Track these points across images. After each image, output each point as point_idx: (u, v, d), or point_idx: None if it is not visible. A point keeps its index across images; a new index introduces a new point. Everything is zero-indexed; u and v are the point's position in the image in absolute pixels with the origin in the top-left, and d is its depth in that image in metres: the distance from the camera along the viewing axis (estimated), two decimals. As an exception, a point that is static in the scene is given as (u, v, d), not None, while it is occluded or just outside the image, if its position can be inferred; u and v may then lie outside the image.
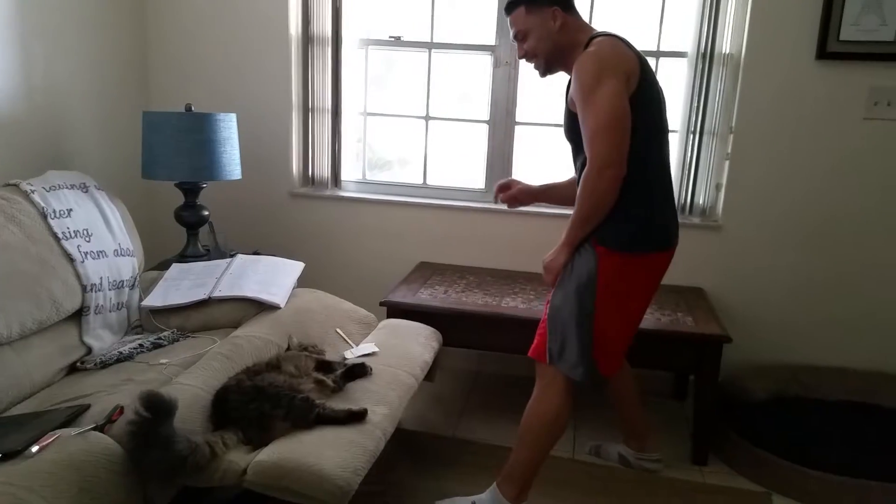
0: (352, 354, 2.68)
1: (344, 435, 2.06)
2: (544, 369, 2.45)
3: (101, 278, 2.73)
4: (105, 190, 3.02)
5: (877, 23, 3.14)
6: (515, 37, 2.44)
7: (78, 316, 2.67)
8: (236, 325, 2.84)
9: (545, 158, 3.75)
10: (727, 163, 3.47)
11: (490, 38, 3.71)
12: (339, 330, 2.92)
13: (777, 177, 3.42)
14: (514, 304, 3.19)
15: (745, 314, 3.55)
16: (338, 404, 2.21)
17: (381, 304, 3.20)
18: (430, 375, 2.83)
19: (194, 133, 3.14)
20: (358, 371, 2.47)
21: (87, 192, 2.91)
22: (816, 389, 3.38)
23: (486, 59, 3.75)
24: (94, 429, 1.99)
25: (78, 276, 2.64)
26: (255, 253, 3.44)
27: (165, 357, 2.57)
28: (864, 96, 3.26)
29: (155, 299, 2.94)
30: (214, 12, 3.78)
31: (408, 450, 3.00)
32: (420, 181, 3.98)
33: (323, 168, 3.89)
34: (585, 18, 2.46)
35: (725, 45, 3.34)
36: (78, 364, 2.56)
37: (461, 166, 3.95)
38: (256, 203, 3.95)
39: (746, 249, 3.52)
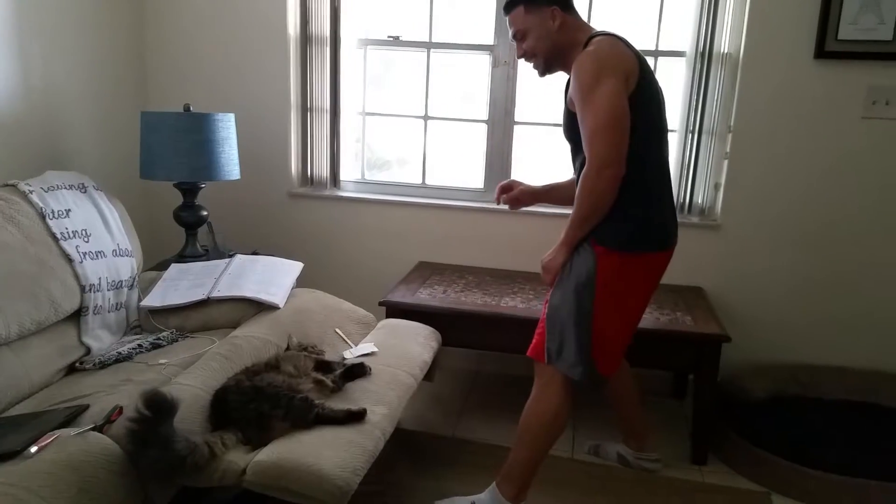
0: (351, 354, 2.68)
1: (343, 435, 2.06)
2: (543, 369, 2.45)
3: (99, 279, 2.73)
4: (103, 190, 3.02)
5: (875, 22, 3.14)
6: (514, 36, 2.43)
7: (77, 316, 2.66)
8: (235, 326, 2.83)
9: (544, 158, 3.75)
10: (726, 162, 3.48)
11: (489, 38, 3.70)
12: (338, 330, 2.92)
13: (776, 176, 3.42)
14: (514, 303, 3.19)
15: (744, 313, 3.55)
16: (337, 404, 2.21)
17: (381, 303, 3.20)
18: (429, 375, 2.83)
19: (193, 133, 3.14)
20: (357, 371, 2.47)
21: (85, 192, 2.91)
22: (815, 389, 3.38)
23: (485, 59, 3.75)
24: (93, 429, 1.99)
25: (76, 277, 2.64)
26: (254, 253, 3.44)
27: (164, 357, 2.57)
28: (862, 95, 3.26)
29: (154, 299, 2.94)
30: (213, 12, 3.78)
31: (407, 450, 3.00)
32: (419, 181, 3.98)
33: (322, 168, 3.89)
34: (584, 18, 2.45)
35: (724, 44, 3.34)
36: (77, 364, 2.56)
37: (460, 166, 3.95)
38: (255, 203, 3.94)
39: (745, 249, 3.52)
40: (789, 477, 2.79)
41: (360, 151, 4.03)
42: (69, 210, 2.75)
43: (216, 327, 2.87)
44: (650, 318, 3.03)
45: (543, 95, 3.64)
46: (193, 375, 2.30)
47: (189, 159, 3.14)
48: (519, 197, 2.77)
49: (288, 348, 2.57)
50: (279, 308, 2.88)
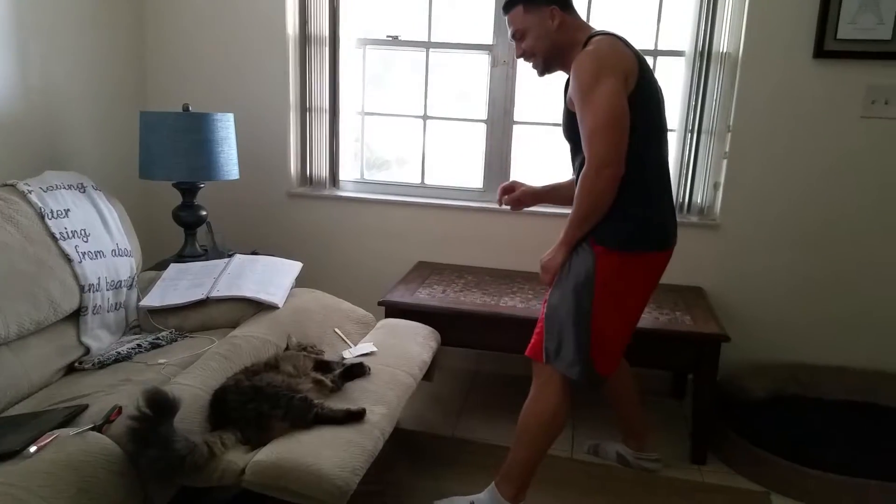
0: (350, 354, 2.68)
1: (342, 435, 2.06)
2: (541, 368, 2.45)
3: (98, 278, 2.73)
4: (102, 190, 3.01)
5: (874, 21, 3.14)
6: (513, 36, 2.43)
7: (76, 316, 2.66)
8: (234, 325, 2.83)
9: (543, 158, 3.75)
10: (725, 162, 3.48)
11: (488, 38, 3.70)
12: (337, 330, 2.92)
13: (775, 175, 3.42)
14: (513, 303, 3.19)
15: (743, 313, 3.55)
16: (336, 404, 2.21)
17: (380, 303, 3.20)
18: (428, 375, 2.83)
19: (192, 133, 3.14)
20: (356, 371, 2.47)
21: (84, 192, 2.91)
22: (815, 388, 3.38)
23: (484, 59, 3.75)
24: (92, 429, 1.98)
25: (76, 277, 2.64)
26: (253, 253, 3.44)
27: (163, 357, 2.57)
28: (861, 95, 3.26)
29: (153, 299, 2.94)
30: (212, 12, 3.78)
31: (406, 449, 2.99)
32: (418, 181, 3.98)
33: (321, 168, 3.89)
34: (583, 17, 2.45)
35: (723, 43, 3.35)
36: (76, 364, 2.56)
37: (459, 166, 3.95)
38: (254, 203, 3.94)
39: (745, 248, 3.52)
40: (789, 477, 2.79)
41: (359, 151, 4.03)
42: (68, 210, 2.75)
43: (215, 327, 2.87)
44: (649, 318, 3.03)
45: (542, 95, 3.64)
46: (192, 375, 2.30)
47: (188, 159, 3.14)
48: (521, 198, 2.76)
49: (287, 348, 2.57)
50: (278, 308, 2.88)
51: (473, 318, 3.11)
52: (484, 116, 3.80)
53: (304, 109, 3.85)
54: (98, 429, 2.00)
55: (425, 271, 3.67)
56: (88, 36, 3.45)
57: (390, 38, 3.84)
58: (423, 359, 2.75)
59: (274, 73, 3.78)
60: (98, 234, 2.83)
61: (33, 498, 1.67)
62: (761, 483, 2.88)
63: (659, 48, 3.55)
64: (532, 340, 2.47)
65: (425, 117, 3.90)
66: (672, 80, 3.44)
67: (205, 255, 3.43)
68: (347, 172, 3.97)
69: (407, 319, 3.07)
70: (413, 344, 2.83)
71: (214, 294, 2.92)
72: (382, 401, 2.31)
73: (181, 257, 3.38)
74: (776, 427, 3.12)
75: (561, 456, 3.00)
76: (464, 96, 3.87)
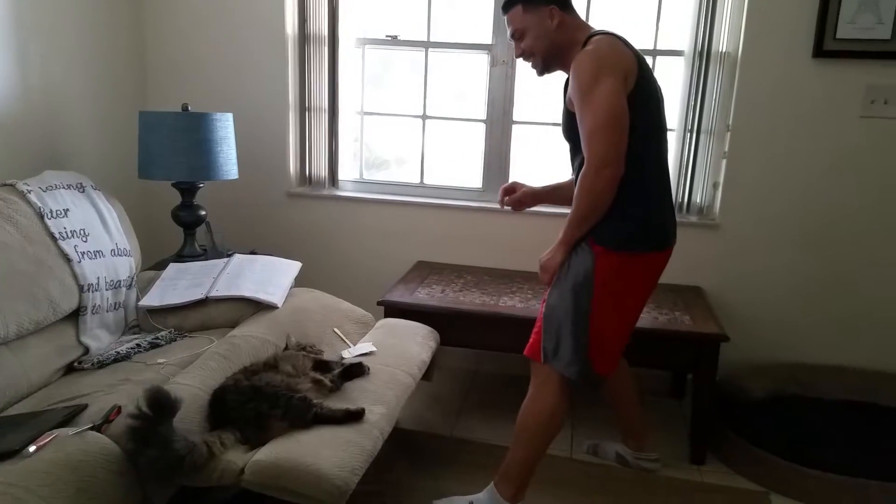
0: (349, 354, 2.68)
1: (341, 434, 2.06)
2: (539, 368, 2.45)
3: (98, 278, 2.73)
4: (102, 190, 3.01)
5: (873, 21, 3.14)
6: (512, 35, 2.43)
7: (75, 316, 2.66)
8: (233, 325, 2.83)
9: (542, 157, 3.75)
10: (724, 161, 3.48)
11: (487, 37, 3.70)
12: (336, 329, 2.92)
13: (774, 175, 3.42)
14: (512, 303, 3.19)
15: (742, 313, 3.55)
16: (335, 404, 2.20)
17: (379, 303, 3.20)
18: (427, 375, 2.83)
19: (191, 133, 3.14)
20: (355, 370, 2.47)
21: (83, 191, 2.91)
22: (814, 388, 3.38)
23: (483, 58, 3.74)
24: (92, 428, 1.98)
25: (75, 276, 2.64)
26: (253, 252, 3.44)
27: (163, 357, 2.57)
28: (860, 94, 3.26)
29: (152, 299, 2.94)
30: (211, 12, 3.78)
31: (405, 449, 2.99)
32: (417, 180, 3.97)
33: (320, 167, 3.89)
34: (583, 17, 2.45)
35: (722, 43, 3.35)
36: (75, 364, 2.56)
37: (458, 165, 3.95)
38: (253, 203, 3.94)
39: (744, 248, 3.52)
40: (788, 477, 2.79)
41: (358, 151, 4.03)
42: (67, 210, 2.75)
43: (214, 327, 2.87)
44: (649, 318, 3.03)
45: (542, 95, 3.64)
46: (192, 375, 2.30)
47: (187, 159, 3.14)
48: (522, 199, 2.76)
49: (286, 348, 2.57)
50: (277, 308, 2.88)
51: (472, 318, 3.11)
52: (483, 116, 3.80)
53: (304, 109, 3.85)
54: (97, 428, 2.00)
55: (424, 271, 3.67)
56: (88, 36, 3.45)
57: (389, 38, 3.84)
58: (422, 358, 2.75)
59: (273, 72, 3.78)
60: (97, 234, 2.83)
61: (32, 497, 1.67)
62: (761, 483, 2.88)
63: (658, 48, 3.55)
64: (530, 340, 2.47)
65: (424, 117, 3.90)
66: (671, 79, 3.44)
67: (204, 255, 3.43)
68: (346, 172, 3.97)
69: (406, 319, 3.07)
70: (412, 344, 2.82)
71: (213, 294, 2.91)
72: (381, 400, 2.31)
73: (180, 257, 3.38)
74: (775, 427, 3.11)
75: (560, 456, 3.00)
76: (463, 96, 3.87)
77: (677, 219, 2.51)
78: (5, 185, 2.69)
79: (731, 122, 3.41)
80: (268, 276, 3.02)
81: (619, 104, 2.17)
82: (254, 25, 3.74)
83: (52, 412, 2.12)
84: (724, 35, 3.34)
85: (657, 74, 2.40)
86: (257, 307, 2.89)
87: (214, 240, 3.57)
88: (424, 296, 3.25)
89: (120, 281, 2.85)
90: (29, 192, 2.66)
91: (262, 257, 3.22)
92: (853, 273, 3.44)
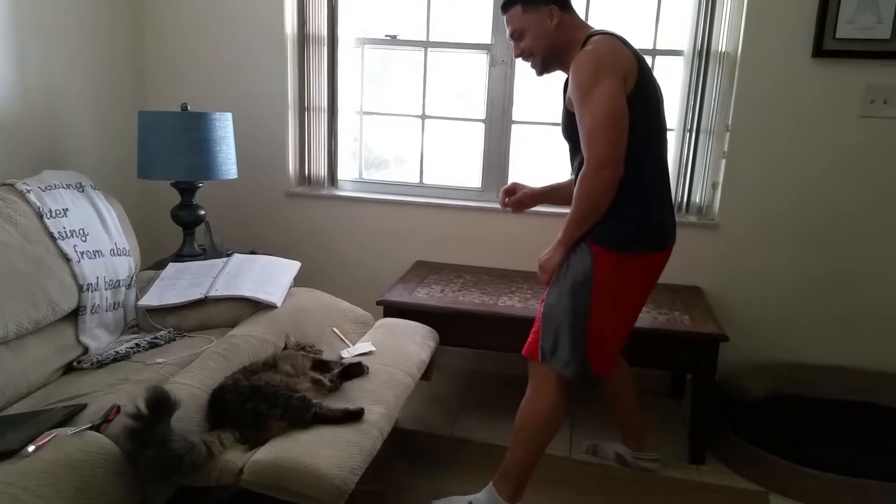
0: (348, 353, 2.68)
1: (341, 434, 2.06)
2: (537, 367, 2.45)
3: (97, 278, 2.73)
4: (101, 189, 3.01)
5: (873, 21, 3.14)
6: (512, 35, 2.43)
7: (74, 315, 2.66)
8: (233, 325, 2.83)
9: (542, 157, 3.75)
10: (724, 161, 3.47)
11: (486, 37, 3.70)
12: (335, 329, 2.92)
13: (773, 175, 3.42)
14: (511, 303, 3.19)
15: (742, 313, 3.55)
16: (334, 404, 2.20)
17: (378, 303, 3.20)
18: (426, 374, 2.83)
19: (190, 132, 3.13)
20: (355, 370, 2.47)
21: (82, 191, 2.91)
22: (814, 388, 3.38)
23: (483, 58, 3.74)
24: (91, 428, 1.98)
25: (74, 276, 2.64)
26: (252, 252, 3.43)
27: (162, 356, 2.57)
28: (860, 94, 3.26)
29: (151, 299, 2.93)
30: (210, 12, 3.78)
31: (405, 449, 2.99)
32: (416, 180, 3.97)
33: (319, 167, 3.89)
34: (582, 17, 2.45)
35: (722, 43, 3.35)
36: (74, 364, 2.56)
37: (458, 165, 3.95)
38: (253, 202, 3.94)
39: (743, 248, 3.52)
40: (787, 476, 2.79)
41: (357, 151, 4.03)
42: (67, 209, 2.75)
43: (214, 326, 2.87)
44: (648, 318, 3.03)
45: (541, 94, 3.64)
46: (191, 375, 2.30)
47: (186, 159, 3.14)
48: (522, 200, 2.76)
49: (286, 347, 2.57)
50: (277, 307, 2.88)
51: (472, 318, 3.11)
52: (482, 116, 3.80)
53: (303, 109, 3.85)
54: (96, 428, 2.00)
55: (424, 271, 3.67)
56: (87, 36, 3.45)
57: (389, 38, 3.84)
58: (421, 358, 2.75)
59: (272, 72, 3.78)
60: (96, 234, 2.83)
61: (31, 497, 1.66)
62: (760, 483, 2.88)
63: (657, 47, 3.55)
64: (529, 339, 2.47)
65: (424, 117, 3.90)
66: (671, 79, 3.43)
67: (203, 255, 3.43)
68: (346, 172, 3.97)
69: (405, 319, 3.07)
70: (411, 343, 2.82)
71: (213, 293, 2.91)
72: (381, 400, 2.31)
73: (179, 257, 3.38)
74: (775, 427, 3.11)
75: (559, 455, 3.00)
76: (462, 96, 3.87)
77: (676, 218, 2.51)
78: (4, 184, 2.69)
79: (730, 122, 3.41)
80: (267, 276, 3.02)
81: (619, 104, 2.17)
82: (253, 25, 3.74)
83: (51, 412, 2.12)
84: (723, 35, 3.34)
85: (656, 74, 2.40)
86: (256, 307, 2.89)
87: (213, 239, 3.57)
88: (423, 295, 3.25)
89: (119, 280, 2.85)
90: (28, 191, 2.66)
91: (261, 257, 3.22)
92: (852, 272, 3.44)
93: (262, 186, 3.90)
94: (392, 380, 2.48)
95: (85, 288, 2.67)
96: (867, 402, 3.32)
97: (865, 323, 3.47)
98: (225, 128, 3.26)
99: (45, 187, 2.75)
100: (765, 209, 3.46)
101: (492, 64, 3.71)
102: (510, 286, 3.44)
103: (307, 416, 2.10)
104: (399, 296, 3.24)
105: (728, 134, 3.43)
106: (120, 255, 2.90)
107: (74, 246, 2.68)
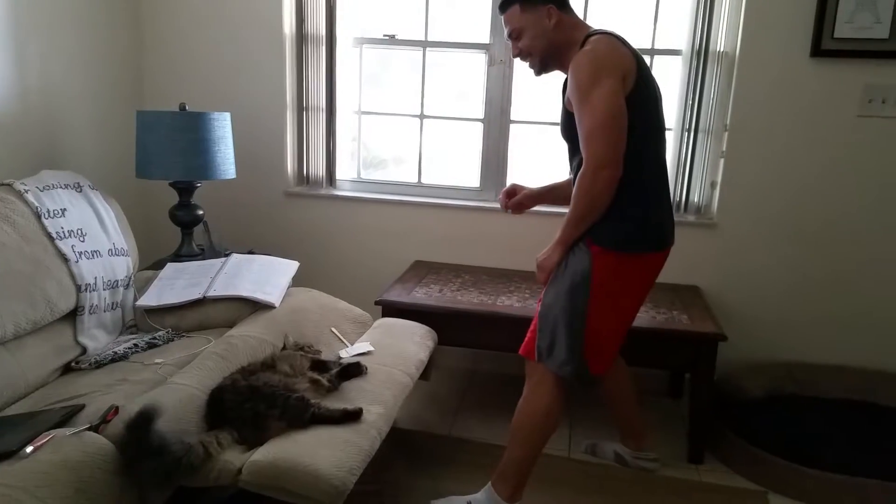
0: (347, 353, 2.68)
1: (339, 434, 2.06)
2: (534, 367, 2.45)
3: (95, 278, 2.72)
4: (99, 189, 3.01)
5: (871, 20, 3.14)
6: (510, 35, 2.43)
7: (72, 316, 2.66)
8: (231, 325, 2.83)
9: (540, 156, 3.75)
10: (722, 160, 3.47)
11: (484, 37, 3.70)
12: (334, 329, 2.92)
13: (772, 174, 3.42)
14: (510, 302, 3.19)
15: (740, 312, 3.55)
16: (333, 404, 2.20)
17: (377, 303, 3.19)
18: (425, 374, 2.83)
19: (188, 132, 3.13)
20: (353, 370, 2.46)
21: (81, 191, 2.90)
22: (813, 387, 3.38)
23: (481, 58, 3.74)
24: (89, 429, 1.98)
25: (72, 276, 2.64)
26: (250, 252, 3.43)
27: (160, 357, 2.56)
28: (858, 94, 3.26)
29: (150, 299, 2.93)
30: (209, 11, 3.77)
31: (403, 449, 2.99)
32: (415, 180, 3.97)
33: (318, 167, 3.89)
34: (580, 16, 2.45)
35: (720, 42, 3.35)
36: (72, 364, 2.55)
37: (456, 165, 3.95)
38: (251, 202, 3.94)
39: (742, 247, 3.52)
40: (786, 476, 2.79)
41: (356, 150, 4.02)
42: (65, 209, 2.75)
43: (212, 327, 2.87)
44: (646, 317, 3.03)
45: (539, 94, 3.64)
46: (189, 375, 2.30)
47: (185, 158, 3.13)
48: (523, 201, 2.75)
49: (284, 348, 2.57)
50: (275, 307, 2.87)
51: (470, 318, 3.11)
52: (481, 115, 3.80)
53: (301, 109, 3.85)
54: (95, 429, 1.99)
55: (422, 270, 3.67)
56: (86, 35, 3.45)
57: (387, 38, 3.83)
58: (419, 358, 2.75)
59: (271, 72, 3.78)
60: (95, 234, 2.82)
61: (30, 498, 1.66)
62: (759, 482, 2.88)
63: (656, 47, 3.55)
64: (525, 338, 2.47)
65: (422, 116, 3.90)
66: (669, 78, 3.43)
67: (201, 255, 3.43)
68: (344, 172, 3.97)
69: (404, 319, 3.07)
70: (410, 343, 2.82)
71: (211, 293, 2.91)
72: (379, 400, 2.31)
73: (178, 257, 3.37)
74: (774, 426, 3.11)
75: (558, 455, 3.00)
76: (461, 95, 3.86)
77: (675, 218, 2.51)
78: (2, 184, 2.68)
79: (728, 122, 3.41)
80: (265, 276, 3.02)
81: (618, 105, 2.17)
82: (251, 25, 3.73)
83: (50, 412, 2.11)
84: (721, 34, 3.34)
85: (655, 74, 2.40)
86: (255, 307, 2.89)
87: (212, 239, 3.57)
88: (422, 295, 3.25)
89: (117, 281, 2.84)
90: (26, 191, 2.66)
91: (259, 257, 3.21)
92: (851, 272, 3.44)
93: (261, 186, 3.90)
94: (390, 380, 2.48)
95: (83, 288, 2.66)
96: (866, 402, 3.32)
97: (864, 322, 3.47)
98: (223, 127, 3.26)
99: (44, 187, 2.74)
100: (763, 208, 3.46)
101: (490, 63, 3.71)
102: (509, 286, 3.44)
103: (305, 417, 2.10)
104: (397, 296, 3.24)
105: (726, 133, 3.43)
106: (118, 256, 2.89)
107: (72, 246, 2.68)
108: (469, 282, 3.49)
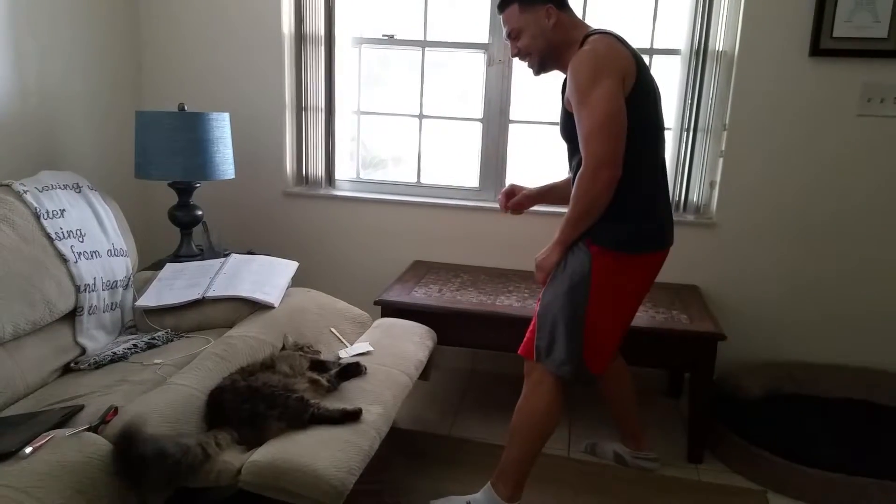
0: (346, 354, 2.68)
1: (339, 434, 2.06)
2: (532, 367, 2.45)
3: (94, 279, 2.72)
4: (98, 190, 3.01)
5: (870, 20, 3.14)
6: (509, 35, 2.42)
7: (72, 316, 2.66)
8: (230, 325, 2.83)
9: (539, 156, 3.75)
10: (721, 160, 3.47)
11: (483, 37, 3.70)
12: (333, 329, 2.92)
13: (771, 174, 3.42)
14: (509, 302, 3.19)
15: (739, 311, 3.55)
16: (332, 404, 2.20)
17: (376, 303, 3.19)
18: (424, 374, 2.83)
19: (187, 132, 3.13)
20: (352, 370, 2.46)
21: (80, 192, 2.90)
22: (812, 386, 3.38)
23: (480, 57, 3.74)
24: (88, 429, 1.98)
25: (71, 277, 2.63)
26: (249, 252, 3.43)
27: (159, 357, 2.56)
28: (857, 93, 3.26)
29: (149, 299, 2.93)
30: (208, 12, 3.77)
31: (403, 449, 2.99)
32: (414, 180, 3.97)
33: (317, 167, 3.89)
34: (579, 16, 2.45)
35: (719, 42, 3.35)
36: (72, 365, 2.55)
37: (455, 165, 3.94)
38: (250, 202, 3.94)
39: (741, 246, 3.52)
40: (786, 475, 2.80)
41: (355, 150, 4.02)
42: (64, 210, 2.74)
43: (211, 327, 2.87)
44: (646, 317, 3.03)
45: (538, 94, 3.64)
46: (188, 375, 2.30)
47: (184, 159, 3.13)
48: (522, 202, 2.75)
49: (283, 348, 2.57)
50: (274, 307, 2.87)
51: (469, 318, 3.11)
52: (480, 115, 3.80)
53: (300, 108, 3.85)
54: (94, 429, 1.99)
55: (421, 270, 3.67)
56: (84, 36, 3.44)
57: (386, 37, 3.83)
58: (419, 358, 2.75)
59: (269, 72, 3.77)
60: (94, 235, 2.82)
61: (29, 499, 1.66)
62: (758, 482, 2.88)
63: (655, 46, 3.55)
64: (525, 338, 2.47)
65: (421, 116, 3.89)
66: (668, 78, 3.42)
67: (201, 255, 3.43)
68: (343, 172, 3.97)
69: (403, 319, 3.07)
70: (409, 343, 2.82)
71: (210, 294, 2.91)
72: (379, 400, 2.31)
73: (177, 257, 3.37)
74: (773, 426, 3.11)
75: (558, 455, 3.00)
76: (460, 95, 3.86)
77: (674, 218, 2.51)
78: (1, 185, 2.68)
79: (727, 121, 3.41)
80: (264, 276, 3.02)
81: (617, 105, 2.17)
82: (250, 25, 3.73)
83: (49, 413, 2.11)
84: (720, 34, 3.34)
85: (654, 73, 2.40)
86: (254, 307, 2.89)
87: (211, 240, 3.57)
88: (421, 295, 3.25)
89: (116, 281, 2.84)
90: (25, 192, 2.65)
91: (258, 257, 3.21)
92: (850, 271, 3.44)
93: (260, 186, 3.90)
94: (390, 380, 2.48)
95: (82, 289, 2.66)
96: (866, 401, 3.32)
97: (864, 321, 3.47)
98: (222, 128, 3.26)
99: (42, 188, 2.74)
100: (762, 208, 3.46)
101: (489, 63, 3.71)
102: (508, 286, 3.44)
103: (305, 417, 2.10)
104: (397, 295, 3.24)
105: (725, 133, 3.43)
106: (117, 256, 2.89)
107: (71, 247, 2.68)
108: (468, 282, 3.49)
